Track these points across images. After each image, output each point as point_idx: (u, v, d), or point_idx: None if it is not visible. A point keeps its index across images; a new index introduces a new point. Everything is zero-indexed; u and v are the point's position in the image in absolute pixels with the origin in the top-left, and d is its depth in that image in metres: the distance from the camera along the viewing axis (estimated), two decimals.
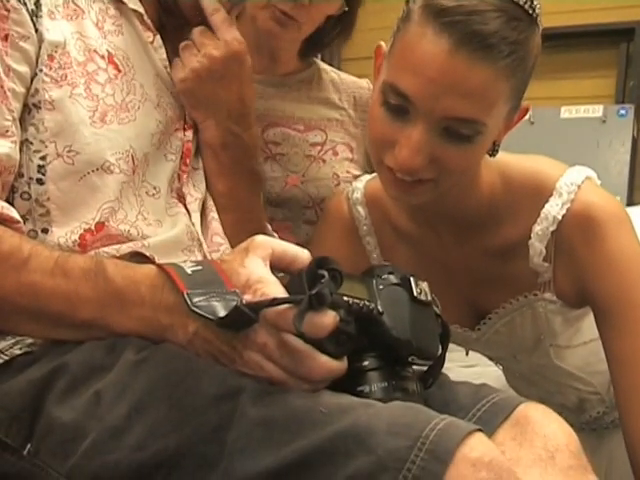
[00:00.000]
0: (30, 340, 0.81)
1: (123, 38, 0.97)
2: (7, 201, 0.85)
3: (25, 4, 0.87)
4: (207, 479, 0.66)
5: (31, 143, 0.87)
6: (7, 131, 0.84)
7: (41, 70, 0.88)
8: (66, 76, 0.89)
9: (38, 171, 0.87)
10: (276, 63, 1.36)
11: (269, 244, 0.75)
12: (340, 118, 1.40)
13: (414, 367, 0.78)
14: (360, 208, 1.21)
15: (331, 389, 0.70)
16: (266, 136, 1.33)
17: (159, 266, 0.77)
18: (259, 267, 0.73)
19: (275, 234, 1.13)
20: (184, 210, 1.00)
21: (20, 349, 0.80)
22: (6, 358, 0.80)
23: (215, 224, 1.04)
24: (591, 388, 1.28)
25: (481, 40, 0.90)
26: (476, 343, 1.25)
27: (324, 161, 1.36)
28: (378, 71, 1.03)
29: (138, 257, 0.85)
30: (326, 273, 0.68)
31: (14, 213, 0.84)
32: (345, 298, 0.71)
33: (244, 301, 0.69)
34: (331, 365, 0.69)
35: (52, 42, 0.89)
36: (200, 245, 0.98)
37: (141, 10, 0.99)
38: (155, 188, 0.97)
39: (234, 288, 0.71)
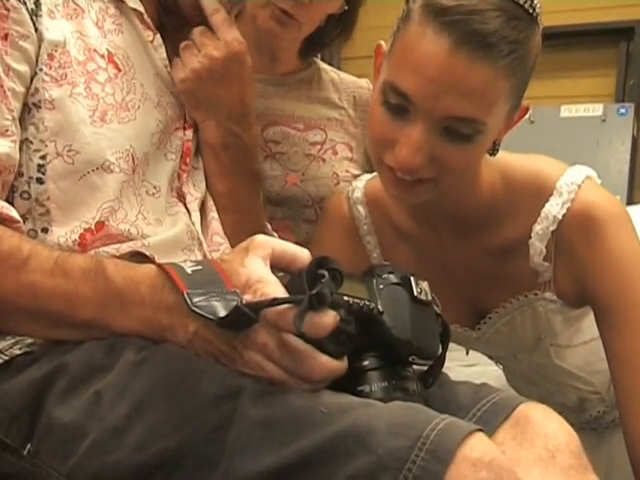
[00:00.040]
0: (30, 340, 0.81)
1: (123, 37, 0.97)
2: (7, 201, 0.85)
3: (25, 3, 0.87)
4: (207, 479, 0.66)
5: (31, 142, 0.87)
6: (7, 130, 0.84)
7: (41, 69, 0.88)
8: (66, 75, 0.89)
9: (38, 170, 0.87)
10: (276, 62, 1.36)
11: (269, 244, 0.75)
12: (340, 118, 1.40)
13: (414, 367, 0.78)
14: (360, 207, 1.21)
15: (331, 389, 0.70)
16: (266, 135, 1.33)
17: (159, 266, 0.77)
18: (259, 267, 0.73)
19: (275, 234, 1.12)
20: (184, 209, 1.00)
21: (20, 349, 0.80)
22: (6, 358, 0.80)
23: (215, 224, 1.04)
24: (591, 387, 1.28)
25: (481, 39, 0.90)
26: (476, 342, 1.25)
27: (324, 160, 1.36)
28: (378, 70, 1.03)
29: (138, 257, 0.85)
30: (326, 273, 0.68)
31: (14, 213, 0.84)
32: (345, 298, 0.71)
33: (244, 301, 0.69)
34: (331, 365, 0.69)
35: (52, 41, 0.89)
36: (200, 244, 0.98)
37: (141, 9, 0.99)
38: (155, 187, 0.97)
39: (234, 288, 0.71)
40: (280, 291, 0.70)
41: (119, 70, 0.95)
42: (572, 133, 3.33)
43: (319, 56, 1.47)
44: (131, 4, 0.98)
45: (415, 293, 0.77)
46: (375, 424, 0.63)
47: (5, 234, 0.79)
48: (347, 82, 1.44)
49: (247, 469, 0.64)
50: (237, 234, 1.00)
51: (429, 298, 0.80)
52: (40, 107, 0.87)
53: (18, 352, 0.80)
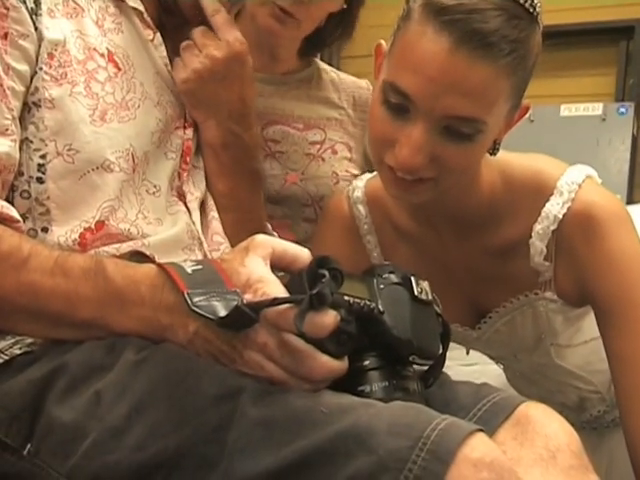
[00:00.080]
0: (30, 340, 0.81)
1: (123, 36, 0.97)
2: (7, 200, 0.85)
3: (25, 2, 0.87)
4: (207, 479, 0.66)
5: (31, 142, 0.87)
6: (7, 130, 0.84)
7: (41, 68, 0.88)
8: (66, 74, 0.89)
9: (38, 170, 0.87)
10: (276, 61, 1.36)
11: (269, 243, 0.75)
12: (339, 117, 1.41)
13: (415, 366, 0.77)
14: (361, 207, 1.21)
15: (332, 389, 0.70)
16: (265, 134, 1.33)
17: (159, 265, 0.77)
18: (259, 266, 0.72)
19: (275, 233, 1.12)
20: (184, 208, 1.00)
21: (20, 349, 0.80)
22: (6, 358, 0.80)
23: (215, 223, 1.03)
24: (592, 387, 1.28)
25: (481, 38, 0.90)
26: (476, 342, 1.25)
27: (323, 159, 1.36)
28: (378, 70, 1.02)
29: (138, 256, 0.85)
30: (327, 272, 0.68)
31: (14, 212, 0.84)
32: (346, 298, 0.71)
33: (244, 301, 0.69)
34: (332, 365, 0.69)
35: (52, 40, 0.89)
36: (200, 244, 0.98)
37: (141, 8, 0.99)
38: (155, 186, 0.96)
39: (234, 288, 0.71)
40: (280, 291, 0.70)
41: (119, 69, 0.95)
42: (572, 132, 3.33)
43: (318, 55, 1.47)
44: (131, 3, 0.98)
45: (416, 293, 0.77)
46: (375, 424, 0.63)
47: (5, 234, 0.79)
48: (347, 82, 1.44)
49: (247, 469, 0.64)
50: (237, 234, 0.99)
51: (430, 298, 0.80)
52: (40, 106, 0.87)
53: (18, 352, 0.80)
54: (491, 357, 1.37)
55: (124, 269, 0.78)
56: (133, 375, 0.72)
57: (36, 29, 0.87)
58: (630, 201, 3.18)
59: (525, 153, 1.13)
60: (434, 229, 1.15)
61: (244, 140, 1.06)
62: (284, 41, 1.31)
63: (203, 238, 0.99)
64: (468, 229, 1.12)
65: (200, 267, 0.75)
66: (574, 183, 1.05)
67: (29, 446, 0.73)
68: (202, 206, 1.03)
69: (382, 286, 0.76)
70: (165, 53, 1.00)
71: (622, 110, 3.38)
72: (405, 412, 0.66)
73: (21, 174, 0.87)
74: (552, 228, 1.06)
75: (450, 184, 1.01)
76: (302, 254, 0.75)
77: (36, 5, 0.88)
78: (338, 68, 1.50)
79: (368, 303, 0.73)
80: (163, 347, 0.74)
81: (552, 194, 1.06)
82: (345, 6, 1.27)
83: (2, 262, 0.77)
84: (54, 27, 0.90)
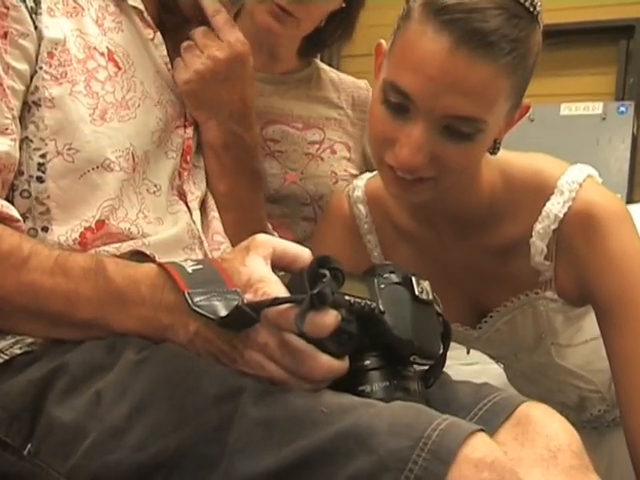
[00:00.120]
0: (30, 339, 0.81)
1: (123, 35, 0.97)
2: (7, 199, 0.85)
3: (24, 1, 0.87)
4: (208, 479, 0.66)
5: (31, 141, 0.87)
6: (7, 129, 0.84)
7: (41, 68, 0.88)
8: (66, 74, 0.89)
9: (38, 169, 0.87)
10: (275, 61, 1.36)
11: (270, 243, 0.75)
12: (338, 117, 1.41)
13: (415, 366, 0.77)
14: (361, 206, 1.21)
15: (332, 389, 0.70)
16: (265, 133, 1.33)
17: (160, 265, 0.77)
18: (260, 266, 0.72)
19: (275, 233, 1.12)
20: (185, 208, 1.00)
21: (20, 348, 0.80)
22: (6, 357, 0.80)
23: (216, 223, 1.03)
24: (592, 386, 1.28)
25: (481, 38, 0.90)
26: (477, 342, 1.25)
27: (322, 159, 1.36)
28: (378, 69, 1.02)
29: (138, 256, 0.85)
30: (327, 272, 0.68)
31: (14, 212, 0.84)
32: (347, 297, 0.71)
33: (245, 300, 0.69)
34: (332, 365, 0.69)
35: (52, 39, 0.89)
36: (201, 243, 0.98)
37: (141, 7, 0.98)
38: (156, 186, 0.96)
39: (235, 287, 0.71)
40: (281, 290, 0.70)
41: (119, 68, 0.95)
42: (572, 131, 3.32)
43: (318, 55, 1.47)
44: (131, 2, 0.98)
45: (416, 292, 0.77)
46: (376, 424, 0.63)
47: (5, 233, 0.79)
48: (346, 82, 1.45)
49: (247, 469, 0.64)
50: (238, 233, 0.99)
51: (430, 297, 0.80)
52: (40, 105, 0.87)
53: (18, 352, 0.80)
54: (491, 356, 1.37)
55: (124, 269, 0.77)
56: (133, 375, 0.72)
57: (36, 28, 0.87)
58: (630, 200, 3.18)
59: (525, 152, 1.13)
60: (434, 228, 1.15)
61: (245, 140, 1.06)
62: (283, 40, 1.31)
63: (204, 237, 0.99)
64: (468, 228, 1.12)
65: (201, 267, 0.75)
66: (575, 182, 1.05)
67: (29, 446, 0.73)
68: (203, 205, 1.03)
69: (383, 286, 0.76)
70: (165, 52, 1.00)
71: (622, 109, 3.38)
72: (406, 412, 0.66)
73: (21, 173, 0.87)
74: (553, 227, 1.06)
75: (450, 183, 1.01)
76: (303, 254, 0.75)
77: (36, 4, 0.88)
78: (338, 67, 1.51)
79: (369, 303, 0.73)
80: (164, 347, 0.74)
81: (553, 193, 1.06)
82: (344, 5, 1.27)
83: (2, 262, 0.77)
84: (54, 26, 0.89)
